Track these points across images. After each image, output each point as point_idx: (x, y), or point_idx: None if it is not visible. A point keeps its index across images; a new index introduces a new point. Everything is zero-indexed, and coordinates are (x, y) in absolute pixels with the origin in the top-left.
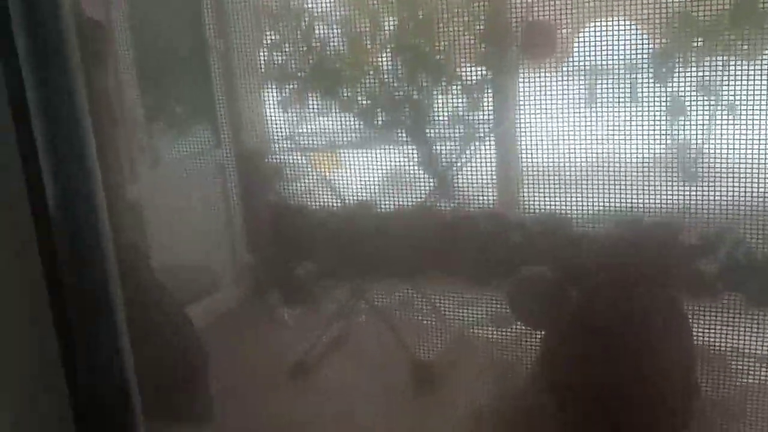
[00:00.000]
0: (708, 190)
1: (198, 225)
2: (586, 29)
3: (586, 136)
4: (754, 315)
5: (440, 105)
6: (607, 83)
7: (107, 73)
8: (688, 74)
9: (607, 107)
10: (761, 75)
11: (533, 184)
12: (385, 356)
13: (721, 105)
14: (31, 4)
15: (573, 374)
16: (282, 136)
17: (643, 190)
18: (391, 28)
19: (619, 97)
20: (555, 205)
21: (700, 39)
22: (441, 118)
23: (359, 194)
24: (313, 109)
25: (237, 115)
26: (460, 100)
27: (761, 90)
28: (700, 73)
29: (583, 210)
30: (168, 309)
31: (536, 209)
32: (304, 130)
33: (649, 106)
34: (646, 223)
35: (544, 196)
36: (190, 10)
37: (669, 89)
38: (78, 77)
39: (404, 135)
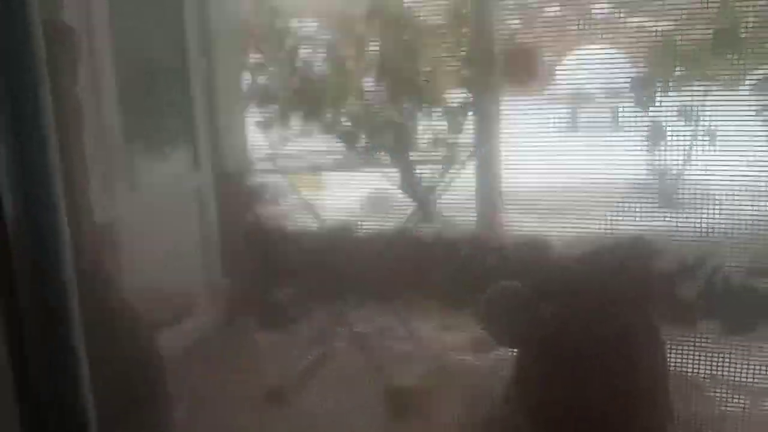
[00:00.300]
0: (687, 216)
1: (175, 248)
2: (569, 56)
3: (566, 161)
4: (731, 342)
5: (422, 128)
6: (589, 109)
7: (81, 90)
8: (668, 101)
9: (589, 132)
10: (741, 102)
11: (514, 207)
12: (363, 382)
13: (701, 131)
14: None
15: (546, 395)
16: (263, 157)
17: (623, 214)
18: (375, 51)
19: (600, 123)
20: (535, 227)
21: (681, 67)
22: (423, 140)
23: (340, 216)
24: (295, 130)
25: (217, 136)
26: (442, 124)
27: (741, 117)
28: (681, 100)
29: (562, 233)
30: (134, 334)
31: (517, 232)
32: (286, 152)
33: (629, 132)
34: (624, 247)
35: (525, 219)
36: (173, 30)
37: (650, 116)
38: (45, 96)
39: (386, 157)
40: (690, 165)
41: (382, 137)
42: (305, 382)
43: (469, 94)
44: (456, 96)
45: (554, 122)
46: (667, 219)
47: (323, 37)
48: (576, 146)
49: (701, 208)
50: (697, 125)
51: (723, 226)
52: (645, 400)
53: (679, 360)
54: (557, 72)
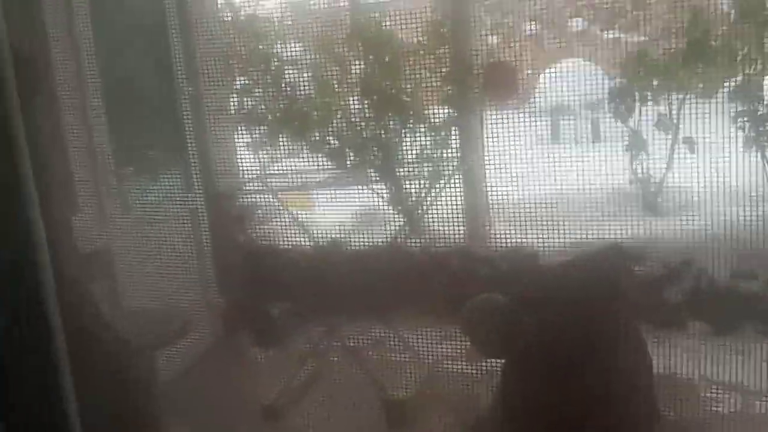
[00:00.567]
0: (669, 222)
1: (168, 269)
2: (547, 70)
3: (549, 172)
4: (718, 344)
5: (408, 144)
6: (569, 121)
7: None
8: (646, 111)
9: (570, 144)
10: (716, 110)
11: (500, 219)
12: (358, 396)
13: (679, 140)
14: None
15: (532, 404)
16: (253, 177)
17: (607, 222)
18: (359, 71)
19: (580, 134)
20: (521, 238)
21: (656, 78)
22: (409, 157)
23: (330, 234)
24: (284, 150)
25: (208, 159)
26: (426, 140)
27: (716, 124)
28: (659, 110)
29: (548, 242)
30: (126, 356)
31: (503, 243)
32: (275, 172)
33: (610, 143)
34: (611, 255)
35: (511, 231)
36: (160, 56)
37: (629, 126)
38: (17, 124)
39: (373, 174)
40: (670, 172)
41: (369, 155)
42: (301, 397)
43: (452, 111)
44: (439, 112)
45: (536, 135)
46: (650, 226)
47: (307, 60)
48: (558, 158)
49: (683, 214)
50: (675, 134)
51: (705, 230)
52: (631, 402)
53: (668, 362)
54: (537, 86)
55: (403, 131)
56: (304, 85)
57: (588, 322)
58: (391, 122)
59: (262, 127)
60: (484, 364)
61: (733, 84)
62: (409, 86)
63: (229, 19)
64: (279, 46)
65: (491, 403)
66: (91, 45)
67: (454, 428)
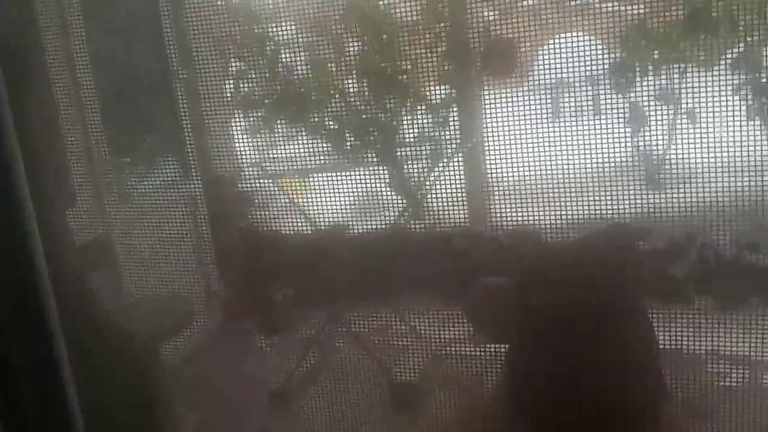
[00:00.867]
0: (673, 196)
1: (169, 257)
2: (546, 45)
3: (551, 149)
4: (727, 316)
5: (407, 125)
6: (569, 96)
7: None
8: (647, 84)
9: (571, 120)
10: (718, 81)
11: (502, 197)
12: (364, 379)
13: (681, 112)
14: None
15: (538, 388)
16: (251, 163)
17: (610, 198)
18: (355, 51)
19: (581, 110)
20: (524, 217)
21: (656, 50)
22: (409, 138)
23: (331, 218)
24: (282, 135)
25: (205, 145)
26: (426, 120)
27: (719, 95)
28: (659, 83)
29: (552, 220)
30: (130, 347)
31: (506, 222)
32: (273, 157)
33: (611, 117)
34: (615, 231)
35: (514, 209)
36: (153, 42)
37: (630, 99)
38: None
39: (373, 156)
40: (673, 145)
41: (368, 136)
42: (307, 382)
43: (452, 89)
44: (439, 91)
45: (536, 111)
46: (653, 200)
47: (302, 41)
48: (559, 134)
49: (687, 187)
50: (677, 106)
51: (709, 202)
52: (638, 381)
53: (676, 337)
54: (536, 61)
55: (403, 111)
56: (300, 67)
57: (593, 301)
58: (389, 103)
59: (258, 112)
60: (490, 346)
61: (734, 54)
62: (407, 65)
63: (222, 1)
64: (273, 27)
65: (496, 386)
66: (82, 32)
67: (461, 410)
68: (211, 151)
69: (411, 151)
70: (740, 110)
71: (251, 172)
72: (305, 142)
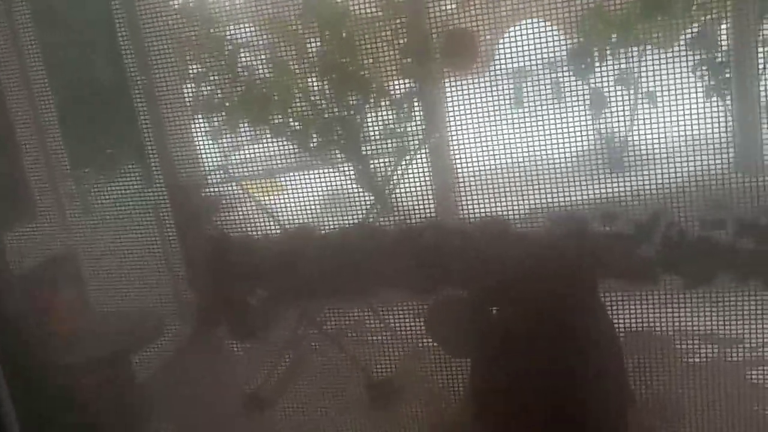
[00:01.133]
0: (636, 177)
1: (136, 267)
2: (504, 34)
3: (514, 137)
4: (693, 294)
5: (371, 121)
6: (530, 84)
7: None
8: (606, 68)
9: (533, 107)
10: (675, 62)
11: (469, 188)
12: (341, 378)
13: (641, 95)
14: None
15: (501, 398)
16: (216, 167)
17: (575, 184)
18: (316, 49)
19: (543, 97)
20: (492, 207)
21: (614, 33)
22: (373, 134)
23: (300, 218)
24: (245, 137)
25: (167, 151)
26: (390, 114)
27: (677, 76)
28: (618, 66)
29: (519, 209)
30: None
31: (474, 214)
32: (238, 159)
33: (572, 103)
34: (581, 217)
35: (481, 199)
36: (108, 49)
37: (590, 84)
38: None
39: (339, 154)
40: (634, 128)
41: (333, 134)
42: (284, 384)
43: (413, 83)
44: (400, 86)
45: (498, 100)
46: (617, 183)
47: (261, 41)
48: (522, 122)
49: (650, 168)
50: (636, 88)
51: (672, 182)
52: (604, 387)
53: (645, 318)
54: (495, 50)
55: (366, 108)
56: (261, 68)
57: (553, 303)
58: (352, 99)
59: (220, 115)
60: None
61: (690, 33)
62: (368, 61)
63: (178, 4)
64: (231, 29)
65: (462, 396)
66: (34, 44)
67: (437, 409)
68: (174, 156)
69: (376, 146)
70: (698, 89)
71: (216, 176)
72: (269, 142)
